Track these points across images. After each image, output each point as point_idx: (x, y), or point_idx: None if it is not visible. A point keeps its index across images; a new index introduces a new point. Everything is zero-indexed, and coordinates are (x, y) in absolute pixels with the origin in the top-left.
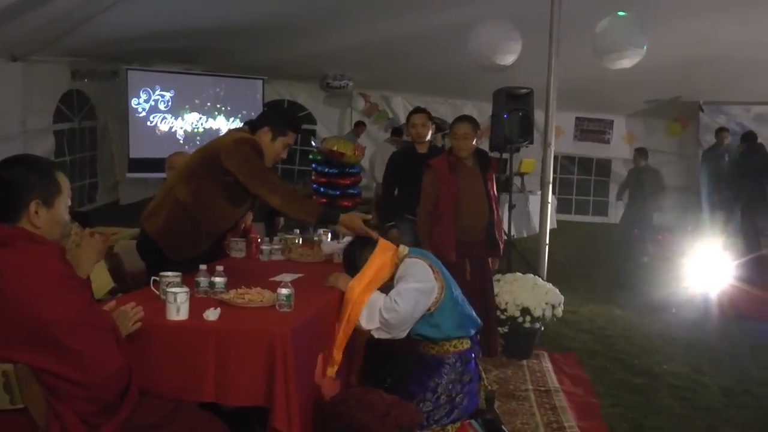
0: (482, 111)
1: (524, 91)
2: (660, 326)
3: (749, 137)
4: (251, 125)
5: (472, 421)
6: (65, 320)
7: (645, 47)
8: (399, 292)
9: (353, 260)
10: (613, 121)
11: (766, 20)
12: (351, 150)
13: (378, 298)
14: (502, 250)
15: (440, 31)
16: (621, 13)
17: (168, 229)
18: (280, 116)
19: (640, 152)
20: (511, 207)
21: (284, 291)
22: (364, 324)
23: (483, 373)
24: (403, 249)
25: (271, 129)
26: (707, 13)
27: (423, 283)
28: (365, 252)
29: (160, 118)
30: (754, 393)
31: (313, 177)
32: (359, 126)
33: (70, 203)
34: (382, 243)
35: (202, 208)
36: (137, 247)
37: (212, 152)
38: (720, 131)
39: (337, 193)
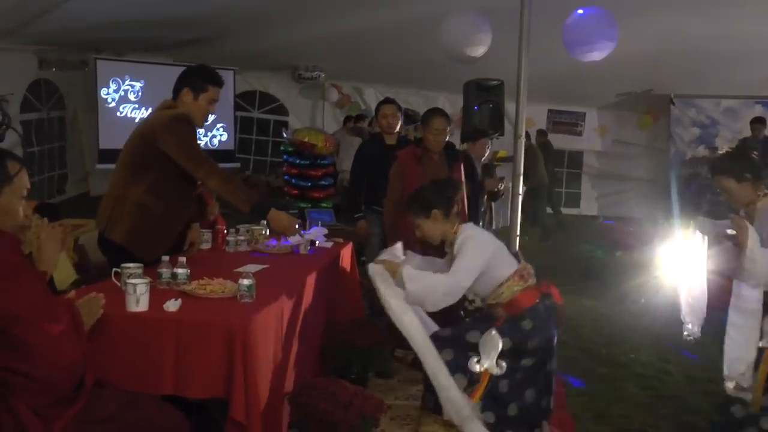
0: (454, 102)
1: (495, 82)
2: (629, 317)
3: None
4: (173, 93)
5: None
6: (18, 313)
7: (615, 40)
8: None
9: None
10: (585, 114)
11: (736, 16)
12: (322, 141)
13: None
14: None
15: (412, 22)
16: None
17: (136, 235)
18: (196, 74)
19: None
20: None
21: (245, 282)
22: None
23: None
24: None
25: (190, 89)
26: (678, 7)
27: None
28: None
29: (130, 108)
30: (718, 380)
31: (284, 168)
32: (349, 121)
33: (26, 193)
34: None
35: (164, 201)
36: (99, 246)
37: (149, 138)
38: (755, 122)
39: (309, 184)
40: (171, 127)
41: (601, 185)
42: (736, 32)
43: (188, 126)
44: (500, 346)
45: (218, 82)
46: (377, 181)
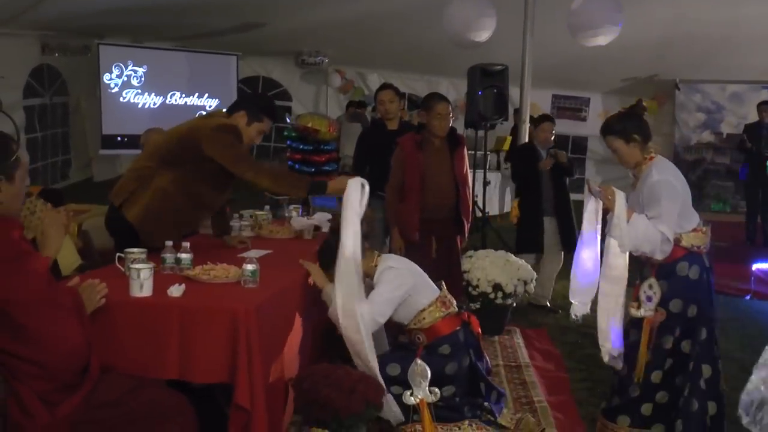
0: (458, 88)
1: (499, 67)
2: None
3: None
4: (229, 109)
5: None
6: (21, 298)
7: (620, 25)
8: None
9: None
10: (589, 99)
11: (742, 0)
12: (326, 126)
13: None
14: (467, 231)
15: (415, 7)
16: None
17: (149, 219)
18: (258, 102)
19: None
20: (485, 184)
21: (249, 267)
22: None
23: None
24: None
25: (247, 113)
26: None
27: None
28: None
29: (133, 93)
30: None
31: (288, 154)
32: (352, 106)
33: (27, 177)
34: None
35: (186, 197)
36: (107, 224)
37: (191, 138)
38: (762, 105)
39: (312, 170)
40: (217, 135)
41: (606, 170)
42: (742, 17)
43: (233, 134)
44: (428, 373)
45: (275, 117)
46: (380, 166)
